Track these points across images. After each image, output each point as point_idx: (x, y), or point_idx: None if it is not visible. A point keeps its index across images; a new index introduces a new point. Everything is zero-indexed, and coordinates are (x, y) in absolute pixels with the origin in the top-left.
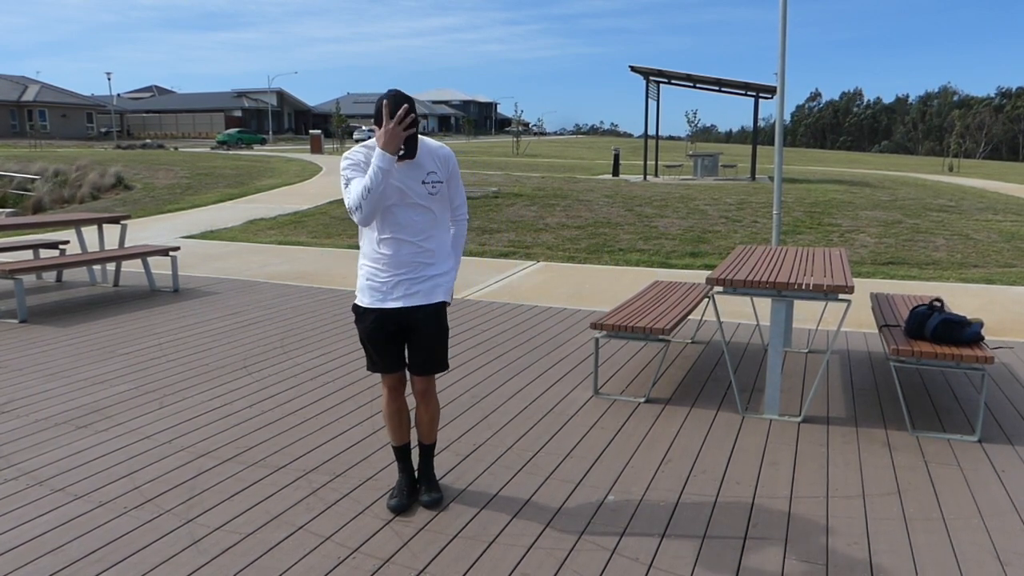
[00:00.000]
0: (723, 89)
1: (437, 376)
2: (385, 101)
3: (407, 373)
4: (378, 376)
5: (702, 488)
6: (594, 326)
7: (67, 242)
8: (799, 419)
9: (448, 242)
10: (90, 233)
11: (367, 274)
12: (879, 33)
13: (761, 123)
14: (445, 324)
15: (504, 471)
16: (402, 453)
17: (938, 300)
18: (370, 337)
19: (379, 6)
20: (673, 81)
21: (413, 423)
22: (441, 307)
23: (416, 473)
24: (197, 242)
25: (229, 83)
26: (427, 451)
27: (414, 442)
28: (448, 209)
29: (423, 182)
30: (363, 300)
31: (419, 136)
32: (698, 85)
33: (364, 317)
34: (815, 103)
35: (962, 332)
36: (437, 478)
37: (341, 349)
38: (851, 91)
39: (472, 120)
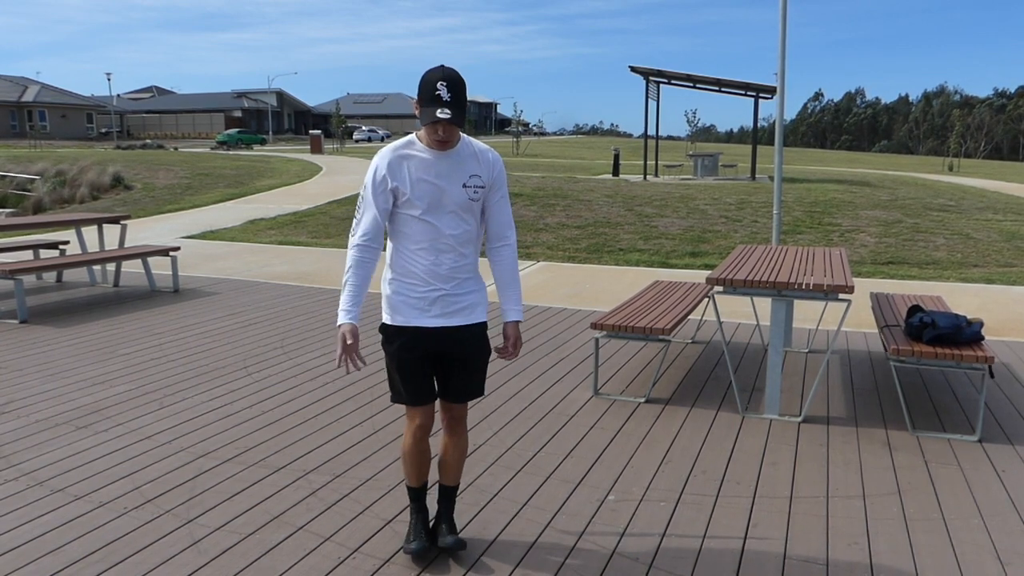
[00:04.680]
0: (723, 89)
1: None
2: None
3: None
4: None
5: (702, 488)
6: (594, 326)
7: (67, 242)
8: (799, 419)
9: (477, 257)
10: (90, 233)
11: (399, 288)
12: (880, 33)
13: (761, 123)
14: (488, 346)
15: (504, 471)
16: (419, 495)
17: (920, 308)
18: (402, 361)
19: (377, 7)
20: (673, 81)
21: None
22: (485, 327)
23: (434, 517)
24: (197, 242)
25: (229, 83)
26: (450, 495)
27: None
28: (481, 221)
29: (464, 185)
30: (394, 318)
31: (465, 136)
32: (698, 85)
33: (395, 337)
34: (817, 103)
35: (960, 335)
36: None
37: None
38: (854, 91)
39: (472, 120)
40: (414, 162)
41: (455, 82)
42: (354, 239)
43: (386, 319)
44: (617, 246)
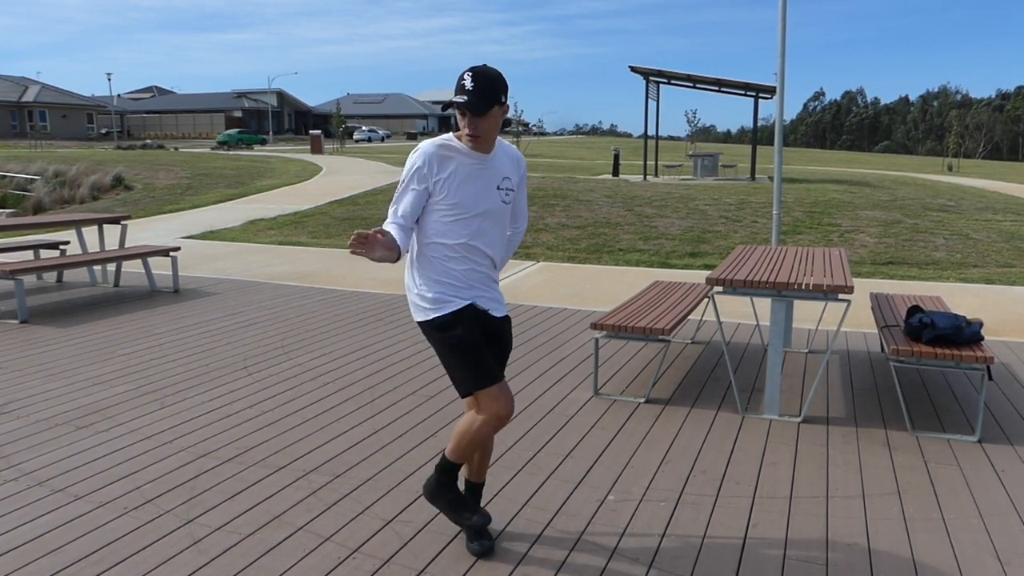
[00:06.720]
0: (723, 89)
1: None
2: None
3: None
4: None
5: (702, 488)
6: (594, 326)
7: (67, 242)
8: (799, 419)
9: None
10: (90, 233)
11: (439, 291)
12: (879, 33)
13: (761, 123)
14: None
15: (504, 471)
16: (475, 489)
17: (919, 309)
18: (467, 338)
19: (377, 7)
20: (673, 81)
21: None
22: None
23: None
24: (197, 242)
25: (229, 84)
26: (477, 491)
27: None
28: (509, 221)
29: (498, 187)
30: (443, 308)
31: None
32: (698, 85)
33: (455, 322)
34: (818, 102)
35: (960, 335)
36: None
37: (341, 349)
38: (855, 90)
39: None
40: (454, 163)
41: (481, 75)
42: (391, 219)
43: (433, 315)
44: (617, 246)
